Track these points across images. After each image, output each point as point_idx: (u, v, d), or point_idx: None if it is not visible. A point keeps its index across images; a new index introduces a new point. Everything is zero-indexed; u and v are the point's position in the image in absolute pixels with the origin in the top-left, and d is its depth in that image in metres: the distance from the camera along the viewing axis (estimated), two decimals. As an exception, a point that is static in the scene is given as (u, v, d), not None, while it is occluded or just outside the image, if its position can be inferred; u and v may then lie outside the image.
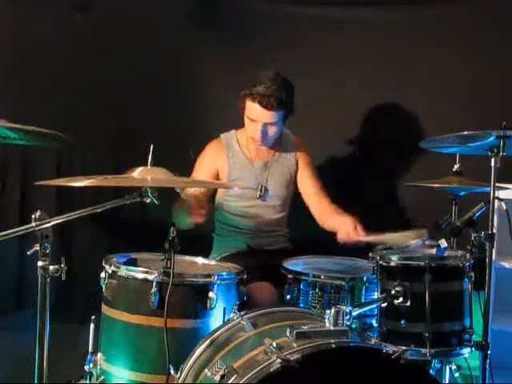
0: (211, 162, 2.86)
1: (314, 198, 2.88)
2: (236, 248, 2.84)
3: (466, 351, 2.10)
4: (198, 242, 2.78)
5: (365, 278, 2.31)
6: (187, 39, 3.60)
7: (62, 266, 1.71)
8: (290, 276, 2.36)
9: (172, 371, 1.92)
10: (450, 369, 2.32)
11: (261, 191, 2.82)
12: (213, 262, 2.49)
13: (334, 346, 1.58)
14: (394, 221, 3.37)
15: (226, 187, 2.97)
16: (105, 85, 3.59)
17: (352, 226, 2.54)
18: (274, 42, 3.51)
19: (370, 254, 2.22)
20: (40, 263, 1.71)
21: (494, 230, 2.10)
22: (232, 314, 1.97)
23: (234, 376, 1.61)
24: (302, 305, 2.32)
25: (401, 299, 2.06)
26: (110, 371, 2.12)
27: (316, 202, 2.87)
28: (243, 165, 2.86)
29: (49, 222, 1.71)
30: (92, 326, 2.14)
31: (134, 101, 3.59)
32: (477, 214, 2.16)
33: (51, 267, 1.70)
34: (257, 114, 2.68)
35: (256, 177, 2.85)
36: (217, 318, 2.11)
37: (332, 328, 1.71)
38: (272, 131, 2.74)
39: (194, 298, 2.10)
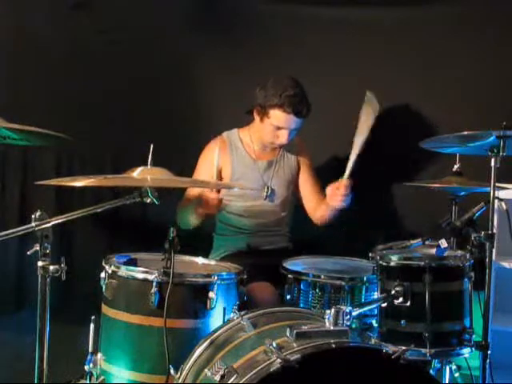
0: (213, 161, 2.80)
1: (310, 195, 2.93)
2: (236, 248, 2.84)
3: (466, 351, 2.10)
4: (198, 241, 2.78)
5: (365, 278, 2.31)
6: (187, 39, 3.60)
7: (62, 265, 1.71)
8: (289, 276, 2.36)
9: (172, 371, 1.92)
10: (450, 369, 2.32)
11: (267, 192, 2.83)
12: (213, 262, 2.49)
13: (334, 345, 1.58)
14: (393, 221, 3.39)
15: (230, 187, 2.94)
16: (105, 85, 3.58)
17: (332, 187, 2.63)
18: (274, 42, 3.51)
19: (370, 254, 2.22)
20: (40, 263, 1.71)
21: (494, 230, 2.10)
22: (232, 314, 1.96)
23: (234, 376, 1.61)
24: (302, 305, 2.31)
25: (401, 299, 2.05)
26: (110, 371, 2.12)
27: (310, 197, 2.92)
28: (247, 164, 2.85)
29: (49, 222, 1.71)
30: (92, 326, 2.14)
31: (134, 101, 3.58)
32: (477, 214, 2.16)
33: (51, 267, 1.70)
34: (287, 122, 2.67)
35: (261, 176, 2.85)
36: (217, 318, 2.11)
37: (332, 328, 1.70)
38: (294, 134, 2.76)
39: (194, 297, 2.10)
